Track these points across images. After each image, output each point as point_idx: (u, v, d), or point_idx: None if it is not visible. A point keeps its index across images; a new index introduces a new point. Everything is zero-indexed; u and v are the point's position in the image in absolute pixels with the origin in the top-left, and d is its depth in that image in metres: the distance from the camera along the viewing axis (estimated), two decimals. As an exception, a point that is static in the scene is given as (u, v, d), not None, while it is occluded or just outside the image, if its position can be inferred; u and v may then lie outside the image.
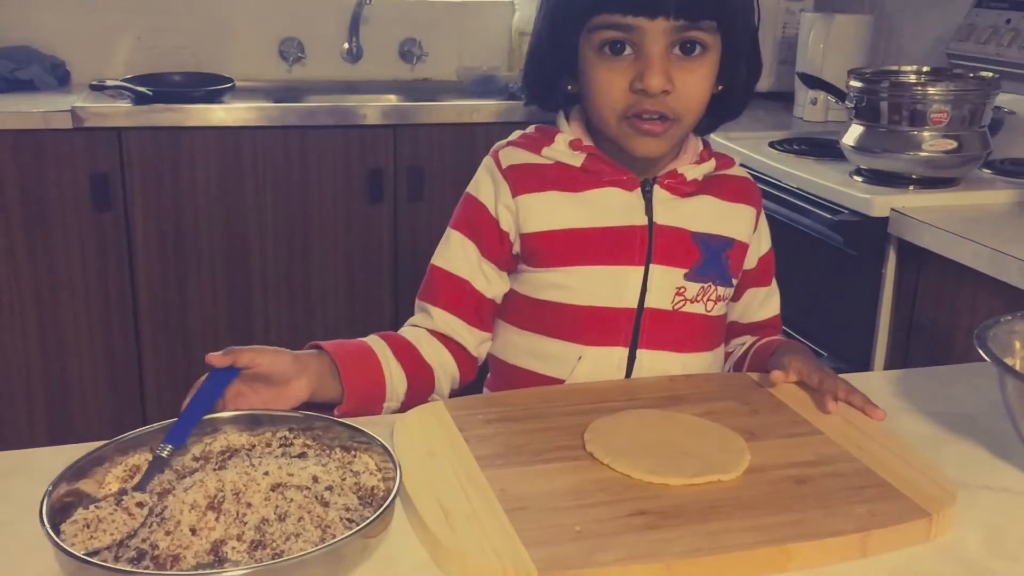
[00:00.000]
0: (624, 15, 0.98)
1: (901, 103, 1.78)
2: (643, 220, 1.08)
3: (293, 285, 2.41)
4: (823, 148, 2.07)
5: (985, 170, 1.90)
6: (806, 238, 1.85)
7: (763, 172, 2.02)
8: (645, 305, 1.08)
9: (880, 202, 1.71)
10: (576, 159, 1.09)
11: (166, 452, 0.83)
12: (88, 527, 0.73)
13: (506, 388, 1.13)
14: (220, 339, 2.38)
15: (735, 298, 1.18)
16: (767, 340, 1.16)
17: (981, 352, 0.89)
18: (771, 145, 2.14)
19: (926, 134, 1.76)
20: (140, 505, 0.75)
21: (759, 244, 1.18)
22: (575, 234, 1.07)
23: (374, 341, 1.06)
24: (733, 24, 1.03)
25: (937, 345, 1.64)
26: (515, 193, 1.08)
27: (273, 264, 2.39)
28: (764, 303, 1.20)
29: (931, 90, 1.77)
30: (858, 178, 1.85)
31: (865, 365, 1.76)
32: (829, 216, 1.79)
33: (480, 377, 1.18)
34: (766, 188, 1.97)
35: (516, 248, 1.09)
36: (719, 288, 1.11)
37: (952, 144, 1.77)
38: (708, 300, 1.11)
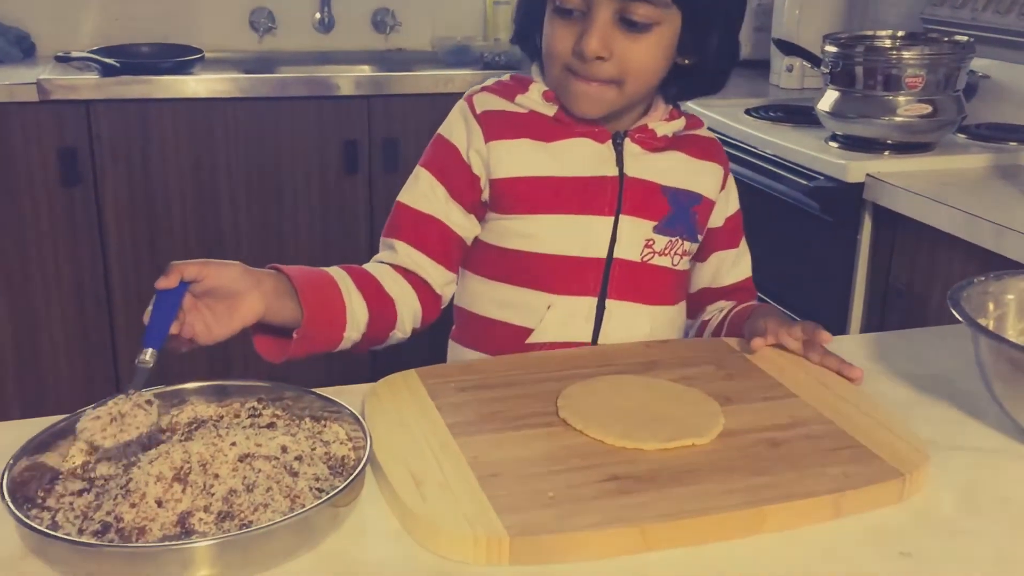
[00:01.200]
0: None
1: (876, 68, 1.77)
2: (614, 171, 1.09)
3: (268, 258, 2.36)
4: (799, 115, 2.07)
5: (960, 135, 1.90)
6: (782, 205, 1.84)
7: (739, 139, 2.01)
8: (614, 256, 1.09)
9: (855, 168, 1.71)
10: (549, 109, 1.09)
11: (148, 356, 0.82)
12: (114, 421, 0.76)
13: (472, 340, 1.13)
14: (194, 314, 2.36)
15: (701, 259, 1.19)
16: (743, 306, 1.17)
17: (954, 312, 0.88)
18: (747, 112, 2.13)
19: (901, 99, 1.76)
20: (149, 403, 0.79)
21: (727, 203, 1.18)
22: (545, 182, 1.07)
23: (334, 271, 1.03)
24: (694, 1, 1.03)
25: (912, 308, 1.65)
26: (487, 139, 1.08)
27: (247, 237, 2.36)
28: (735, 265, 1.20)
29: (906, 54, 1.76)
30: (834, 144, 1.85)
31: (841, 329, 1.76)
32: (805, 182, 1.78)
33: (445, 329, 1.18)
34: (742, 155, 1.96)
35: (486, 195, 1.09)
36: (686, 243, 1.12)
37: (927, 109, 1.76)
38: (675, 254, 1.11)
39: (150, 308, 0.86)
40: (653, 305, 1.11)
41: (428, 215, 1.09)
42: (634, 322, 1.09)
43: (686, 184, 1.12)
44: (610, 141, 1.09)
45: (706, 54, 1.08)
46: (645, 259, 1.10)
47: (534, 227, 1.07)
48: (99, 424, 0.76)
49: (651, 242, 1.10)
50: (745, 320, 1.10)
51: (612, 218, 1.08)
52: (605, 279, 1.08)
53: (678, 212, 1.11)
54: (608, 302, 1.09)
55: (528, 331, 1.08)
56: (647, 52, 1.03)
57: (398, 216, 1.10)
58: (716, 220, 1.17)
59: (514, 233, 1.09)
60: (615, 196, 1.08)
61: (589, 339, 1.09)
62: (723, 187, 1.17)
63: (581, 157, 1.08)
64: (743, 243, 1.22)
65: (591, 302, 1.08)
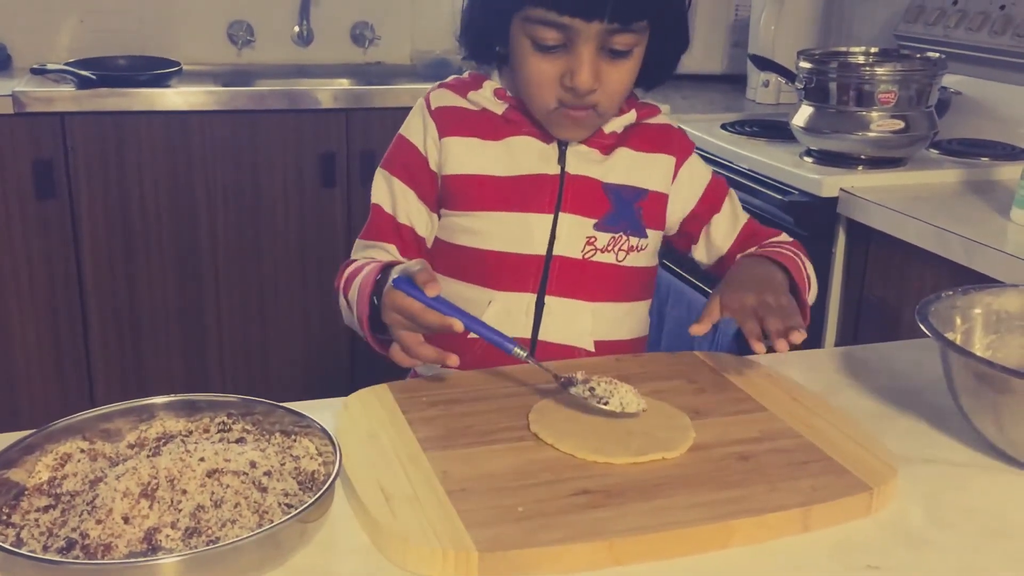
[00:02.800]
0: (561, 15, 0.99)
1: (849, 84, 1.79)
2: (555, 169, 1.11)
3: (245, 271, 2.38)
4: (774, 130, 2.08)
5: (932, 150, 1.92)
6: (758, 219, 1.83)
7: (715, 154, 2.02)
8: (554, 253, 1.10)
9: (829, 182, 1.73)
10: (499, 107, 1.11)
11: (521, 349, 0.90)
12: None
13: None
14: (170, 327, 2.35)
15: (695, 240, 1.19)
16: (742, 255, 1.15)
17: (922, 327, 0.89)
18: (723, 127, 2.15)
19: (874, 114, 1.78)
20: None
21: (691, 186, 1.18)
22: (489, 180, 1.10)
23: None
24: (663, 17, 1.05)
25: (886, 321, 1.66)
26: (441, 135, 1.11)
27: (224, 250, 2.35)
28: (726, 223, 1.19)
29: (879, 71, 1.78)
30: (808, 159, 1.87)
31: (816, 342, 1.77)
32: (780, 197, 1.79)
33: None
34: (718, 170, 1.96)
35: (440, 190, 1.12)
36: (631, 238, 1.13)
37: (899, 124, 1.78)
38: (619, 250, 1.12)
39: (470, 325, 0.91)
40: (595, 302, 1.12)
41: (405, 225, 1.13)
42: (574, 319, 1.11)
43: (630, 180, 1.13)
44: (555, 141, 1.11)
45: (663, 55, 1.10)
46: (587, 256, 1.11)
47: (478, 224, 1.10)
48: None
49: (592, 239, 1.11)
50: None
51: (551, 215, 1.10)
52: (544, 276, 1.10)
53: (620, 208, 1.12)
54: (548, 298, 1.10)
55: None
56: (628, 75, 1.06)
57: (380, 220, 1.13)
58: (686, 204, 1.18)
59: (461, 229, 1.11)
60: (555, 193, 1.10)
61: (528, 335, 1.11)
62: (675, 176, 1.16)
63: (526, 155, 1.11)
64: (728, 200, 1.20)
65: (530, 298, 1.10)
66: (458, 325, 0.89)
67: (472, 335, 1.06)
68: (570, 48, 1.02)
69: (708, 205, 1.19)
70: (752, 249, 1.17)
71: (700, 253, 1.21)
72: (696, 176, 1.19)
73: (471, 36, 1.13)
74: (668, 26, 1.07)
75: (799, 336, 0.94)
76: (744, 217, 1.21)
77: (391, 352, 0.95)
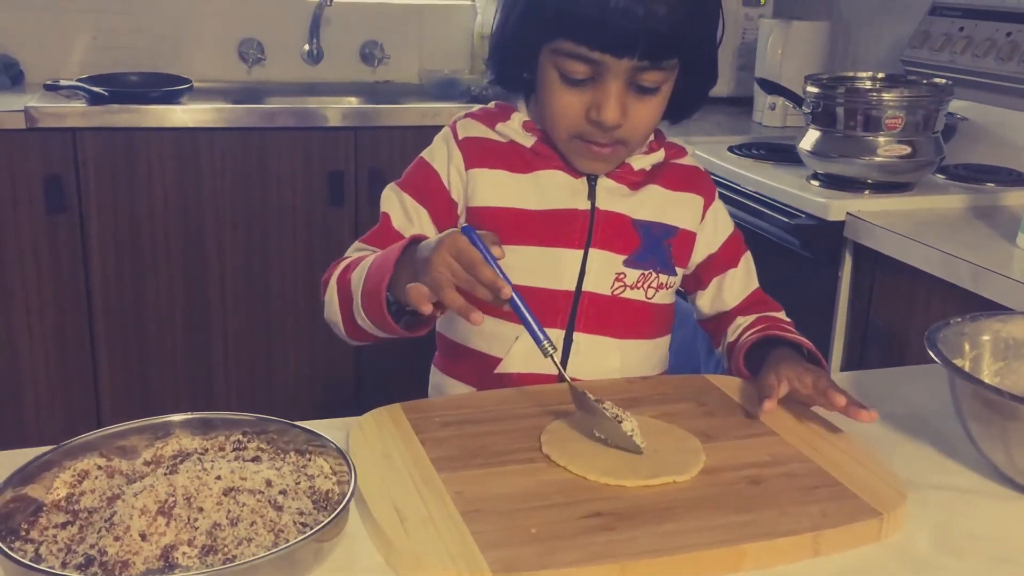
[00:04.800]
0: (592, 50, 0.99)
1: (856, 109, 1.80)
2: (586, 205, 1.10)
3: (253, 289, 2.39)
4: (781, 153, 2.09)
5: (939, 175, 1.93)
6: (764, 241, 1.86)
7: (722, 176, 2.03)
8: (583, 288, 1.10)
9: (836, 206, 1.73)
10: (528, 140, 1.11)
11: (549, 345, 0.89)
12: None
13: (449, 365, 1.15)
14: (177, 343, 2.35)
15: (702, 287, 1.19)
16: (754, 331, 1.13)
17: (931, 354, 0.90)
18: (730, 150, 2.16)
19: (881, 139, 1.79)
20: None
21: (715, 231, 1.18)
22: (518, 214, 1.09)
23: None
24: (694, 56, 1.05)
25: (892, 347, 1.67)
26: (468, 166, 1.10)
27: (232, 268, 2.36)
28: (738, 282, 1.19)
29: (886, 96, 1.79)
30: (815, 182, 1.88)
31: (822, 367, 1.77)
32: (786, 220, 1.80)
33: (429, 355, 1.19)
34: (725, 192, 1.98)
35: (462, 220, 1.11)
36: (661, 276, 1.13)
37: (906, 149, 1.79)
38: (649, 287, 1.12)
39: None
40: (624, 339, 1.11)
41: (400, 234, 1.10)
42: (603, 355, 1.10)
43: (660, 217, 1.13)
44: (585, 176, 1.11)
45: (690, 92, 1.10)
46: (616, 292, 1.11)
47: (507, 257, 1.08)
48: None
49: (622, 275, 1.10)
50: (756, 361, 1.07)
51: (581, 251, 1.09)
52: (573, 312, 1.09)
53: (650, 245, 1.11)
54: (576, 335, 1.10)
55: (497, 360, 1.09)
56: (655, 111, 1.06)
57: (386, 230, 1.11)
58: (708, 248, 1.17)
59: None
60: (585, 229, 1.10)
61: (556, 371, 1.09)
62: (703, 217, 1.17)
63: (555, 189, 1.10)
64: (744, 259, 1.20)
65: (558, 334, 1.09)
66: (507, 290, 0.88)
67: (498, 370, 1.07)
68: (598, 82, 1.01)
69: (727, 255, 1.19)
70: (765, 326, 1.12)
71: (704, 301, 1.20)
72: (721, 223, 1.19)
73: (498, 61, 1.12)
74: (698, 63, 1.06)
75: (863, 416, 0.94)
76: (755, 281, 1.21)
77: (411, 289, 0.90)
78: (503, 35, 1.10)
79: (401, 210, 1.11)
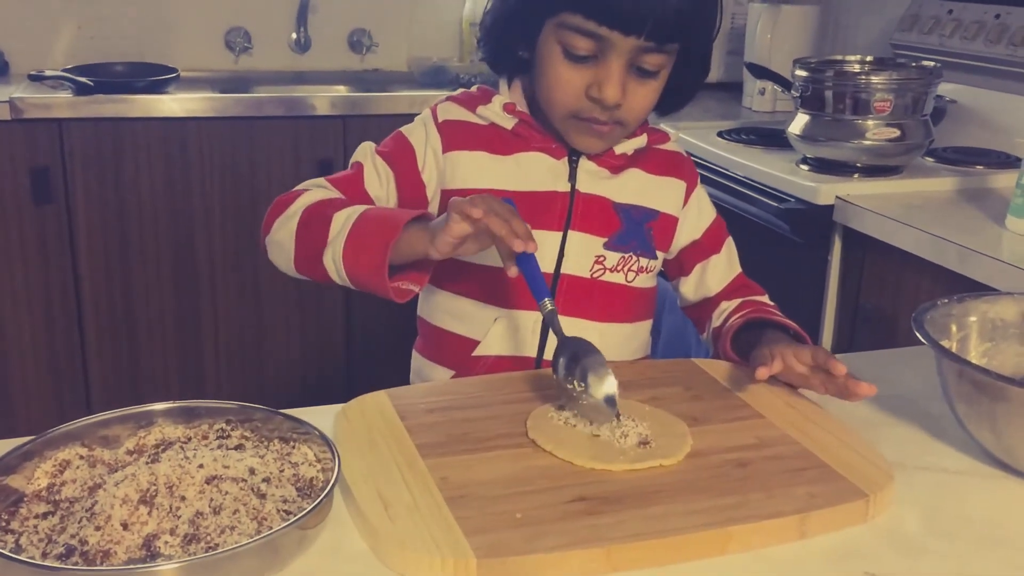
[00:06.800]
0: (600, 25, 0.99)
1: (845, 92, 1.79)
2: (566, 187, 1.10)
3: (242, 278, 2.38)
4: (770, 137, 2.09)
5: (928, 158, 1.93)
6: (753, 226, 1.86)
7: (711, 161, 2.03)
8: (562, 271, 1.09)
9: (825, 190, 1.73)
10: (508, 122, 1.10)
11: (550, 303, 0.93)
12: None
13: (430, 350, 1.15)
14: (166, 333, 2.35)
15: (685, 272, 1.19)
16: (739, 315, 1.12)
17: (918, 335, 0.90)
18: (719, 135, 2.15)
19: (870, 122, 1.78)
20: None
21: (699, 217, 1.18)
22: (497, 195, 1.06)
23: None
24: (694, 44, 1.05)
25: (882, 329, 1.67)
26: (445, 149, 1.10)
27: (221, 257, 2.35)
28: (720, 267, 1.18)
29: (874, 79, 1.79)
30: (804, 167, 1.87)
31: (812, 351, 1.77)
32: (776, 204, 1.80)
33: (410, 339, 1.19)
34: (714, 177, 1.98)
35: (435, 205, 1.11)
36: (641, 259, 1.12)
37: (895, 132, 1.79)
38: (629, 270, 1.12)
39: (514, 267, 0.93)
40: (603, 322, 1.11)
41: (370, 196, 1.10)
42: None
43: (641, 200, 1.12)
44: (566, 157, 1.10)
45: (683, 81, 1.10)
46: (595, 275, 1.10)
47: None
48: None
49: (602, 258, 1.10)
50: (742, 336, 1.08)
51: (560, 233, 1.09)
52: (552, 294, 1.08)
53: (630, 228, 1.11)
54: None
55: (475, 343, 1.09)
56: (653, 94, 1.06)
57: (356, 182, 1.10)
58: (691, 233, 1.17)
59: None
60: (565, 211, 1.09)
61: (534, 354, 1.10)
62: (686, 201, 1.17)
63: (536, 172, 1.10)
64: (727, 245, 1.20)
65: (537, 317, 1.08)
66: (532, 246, 0.91)
67: (476, 353, 1.07)
68: (600, 60, 1.01)
69: (710, 241, 1.18)
70: (750, 310, 1.12)
71: (688, 288, 1.20)
72: (704, 209, 1.19)
73: (495, 37, 1.10)
74: (695, 53, 1.07)
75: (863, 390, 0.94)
76: (738, 266, 1.21)
77: (452, 211, 0.91)
78: (504, 9, 1.09)
79: (372, 167, 1.11)
